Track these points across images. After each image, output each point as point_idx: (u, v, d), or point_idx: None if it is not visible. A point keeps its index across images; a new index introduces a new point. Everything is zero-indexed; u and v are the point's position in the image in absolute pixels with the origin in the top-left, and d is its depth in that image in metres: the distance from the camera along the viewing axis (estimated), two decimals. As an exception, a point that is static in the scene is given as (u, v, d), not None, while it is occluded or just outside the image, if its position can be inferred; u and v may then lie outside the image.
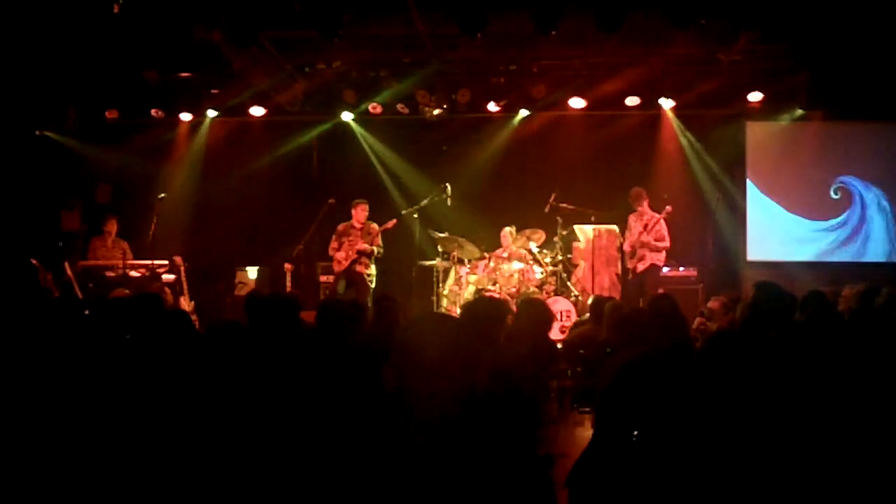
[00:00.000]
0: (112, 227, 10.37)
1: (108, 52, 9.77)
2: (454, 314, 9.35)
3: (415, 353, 3.79)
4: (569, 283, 10.69)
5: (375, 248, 10.42)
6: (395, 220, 10.52)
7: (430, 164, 11.66)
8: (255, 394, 3.67)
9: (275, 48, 10.12)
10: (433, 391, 3.53)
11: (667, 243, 10.03)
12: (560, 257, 10.65)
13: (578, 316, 9.67)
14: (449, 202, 10.78)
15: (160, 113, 11.41)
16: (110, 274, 9.88)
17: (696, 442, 3.14)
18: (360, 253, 10.33)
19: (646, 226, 10.06)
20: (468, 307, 5.44)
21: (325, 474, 3.39)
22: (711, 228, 11.15)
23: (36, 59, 9.46)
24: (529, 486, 3.11)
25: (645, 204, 10.26)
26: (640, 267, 10.00)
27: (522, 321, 5.28)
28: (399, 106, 11.30)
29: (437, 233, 10.69)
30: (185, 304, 9.86)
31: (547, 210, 10.60)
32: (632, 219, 10.32)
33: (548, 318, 5.50)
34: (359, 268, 10.35)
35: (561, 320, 9.85)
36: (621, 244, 10.99)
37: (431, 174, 11.35)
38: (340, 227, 10.49)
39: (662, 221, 10.00)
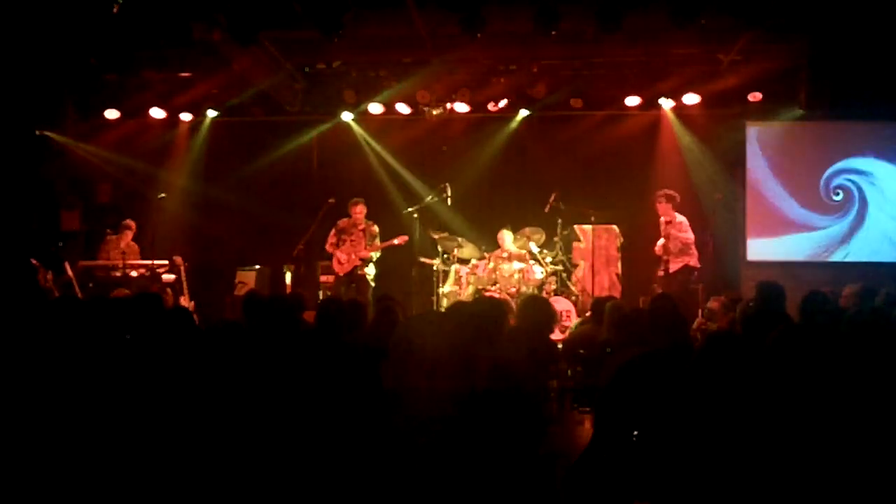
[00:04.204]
0: (129, 234, 10.35)
1: (108, 52, 9.77)
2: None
3: (413, 353, 3.79)
4: (569, 283, 10.69)
5: (375, 254, 10.43)
6: (406, 237, 10.47)
7: (430, 164, 11.65)
8: (254, 394, 3.67)
9: (275, 48, 10.11)
10: (433, 390, 3.53)
11: (688, 236, 9.94)
12: (560, 257, 10.65)
13: (578, 316, 9.68)
14: (449, 202, 10.78)
15: (160, 113, 11.42)
16: (110, 274, 9.88)
17: (695, 442, 3.14)
18: (364, 260, 10.34)
19: (670, 229, 10.00)
20: (468, 307, 5.45)
21: (323, 473, 3.39)
22: (711, 228, 11.14)
23: (36, 58, 9.46)
24: (530, 486, 3.11)
25: (664, 207, 10.10)
26: (673, 267, 9.95)
27: (525, 320, 5.28)
28: (399, 106, 11.31)
29: (437, 233, 10.69)
30: (185, 304, 9.86)
31: (547, 210, 10.59)
32: (661, 221, 10.23)
33: (550, 316, 5.51)
34: (359, 271, 10.37)
35: (561, 320, 9.85)
36: (621, 244, 10.99)
37: (431, 174, 11.34)
38: (342, 223, 10.47)
39: (678, 218, 9.97)
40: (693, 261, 10.01)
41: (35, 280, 9.00)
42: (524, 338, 5.04)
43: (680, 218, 10.10)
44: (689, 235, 10.03)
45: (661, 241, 10.10)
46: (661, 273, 10.15)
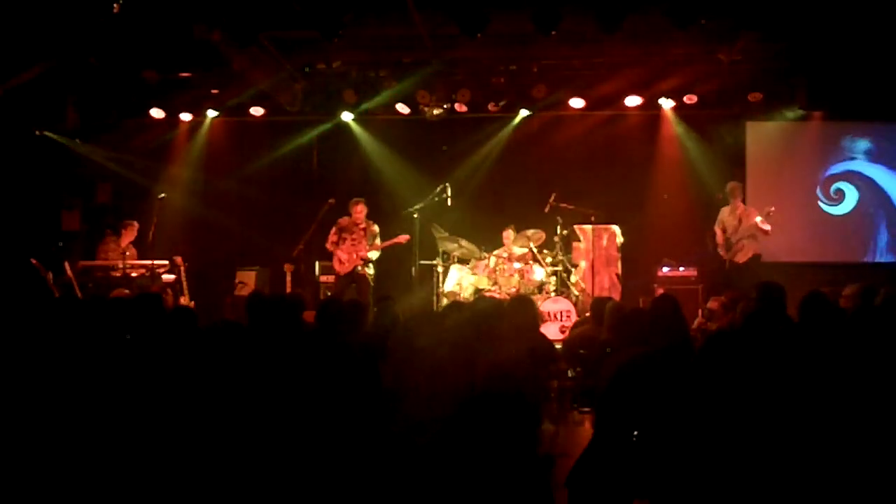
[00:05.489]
0: (131, 233, 10.34)
1: (108, 52, 9.77)
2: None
3: (413, 353, 3.79)
4: (569, 283, 10.69)
5: (376, 254, 10.43)
6: (408, 237, 10.46)
7: (430, 164, 11.65)
8: (254, 394, 3.67)
9: (275, 48, 10.11)
10: (432, 390, 3.53)
11: (769, 226, 10.15)
12: (560, 257, 10.65)
13: (578, 316, 9.67)
14: (449, 202, 10.78)
15: (160, 113, 11.42)
16: (110, 274, 9.87)
17: (695, 441, 3.14)
18: (365, 260, 10.34)
19: (740, 219, 10.23)
20: (467, 307, 5.45)
21: (323, 473, 3.39)
22: (711, 228, 11.14)
23: (36, 59, 9.46)
24: (529, 486, 3.11)
25: (740, 198, 10.42)
26: (742, 258, 10.16)
27: (518, 319, 5.27)
28: (399, 106, 11.31)
29: (437, 232, 10.69)
30: (185, 304, 9.85)
31: (547, 210, 10.60)
32: (725, 212, 10.43)
33: (536, 314, 5.53)
34: (360, 271, 10.37)
35: (561, 320, 9.86)
36: (621, 244, 11.00)
37: (431, 174, 11.34)
38: (343, 221, 10.45)
39: (754, 211, 10.23)
40: (757, 248, 10.23)
41: (39, 280, 8.99)
42: (523, 337, 5.05)
43: (747, 208, 10.35)
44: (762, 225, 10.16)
45: (719, 233, 10.32)
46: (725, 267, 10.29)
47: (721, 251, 10.37)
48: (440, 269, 10.76)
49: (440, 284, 10.73)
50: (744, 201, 10.51)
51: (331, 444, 3.49)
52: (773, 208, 10.20)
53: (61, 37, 9.04)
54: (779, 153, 11.51)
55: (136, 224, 10.41)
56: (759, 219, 10.11)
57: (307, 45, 10.11)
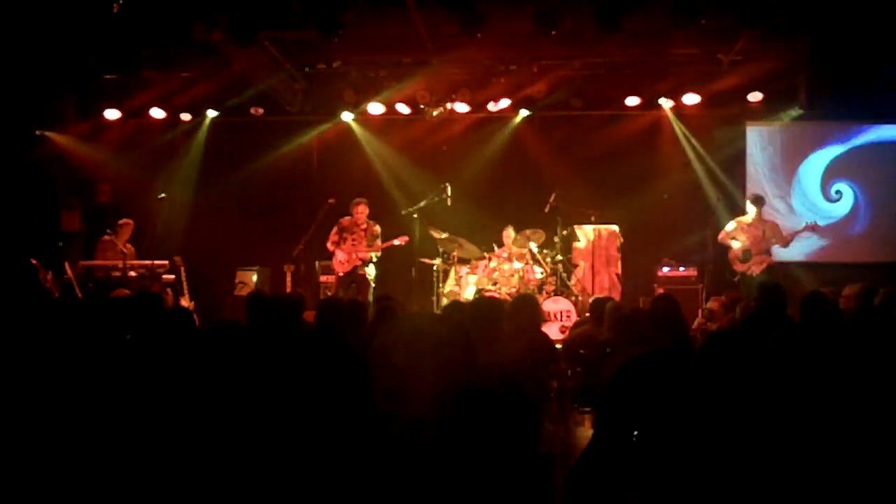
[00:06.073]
0: (126, 232, 10.33)
1: (108, 52, 9.78)
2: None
3: (411, 353, 3.78)
4: (569, 283, 10.69)
5: (376, 254, 10.43)
6: (407, 238, 10.46)
7: (430, 164, 11.65)
8: (254, 394, 3.67)
9: (275, 48, 10.12)
10: (431, 390, 3.52)
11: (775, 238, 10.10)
12: (560, 257, 10.65)
13: (578, 316, 9.68)
14: (449, 202, 10.78)
15: (160, 113, 11.42)
16: (110, 274, 9.88)
17: (695, 442, 3.14)
18: (364, 260, 10.34)
19: (763, 231, 10.03)
20: (467, 307, 5.44)
21: (322, 474, 3.39)
22: (711, 228, 11.15)
23: (36, 58, 9.46)
24: (529, 486, 3.11)
25: (764, 209, 10.24)
26: (756, 269, 9.95)
27: (520, 318, 5.27)
28: (399, 106, 11.31)
29: (437, 233, 10.69)
30: (185, 304, 9.85)
31: (547, 210, 10.60)
32: (743, 223, 10.16)
33: (538, 313, 5.54)
34: (360, 271, 10.38)
35: (561, 320, 9.86)
36: (621, 244, 11.00)
37: (431, 174, 11.34)
38: (344, 221, 10.45)
39: (774, 224, 10.13)
40: (772, 259, 10.11)
41: (37, 280, 8.99)
42: (523, 337, 5.05)
43: (769, 219, 10.23)
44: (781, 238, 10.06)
45: (736, 245, 10.06)
46: (736, 279, 10.09)
47: (735, 263, 10.12)
48: (440, 269, 10.76)
49: (440, 284, 10.73)
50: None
51: (330, 444, 3.49)
52: (815, 222, 10.17)
53: (61, 36, 9.04)
54: (779, 153, 11.51)
55: (131, 222, 10.40)
56: (788, 231, 10.01)
57: (307, 45, 10.11)
